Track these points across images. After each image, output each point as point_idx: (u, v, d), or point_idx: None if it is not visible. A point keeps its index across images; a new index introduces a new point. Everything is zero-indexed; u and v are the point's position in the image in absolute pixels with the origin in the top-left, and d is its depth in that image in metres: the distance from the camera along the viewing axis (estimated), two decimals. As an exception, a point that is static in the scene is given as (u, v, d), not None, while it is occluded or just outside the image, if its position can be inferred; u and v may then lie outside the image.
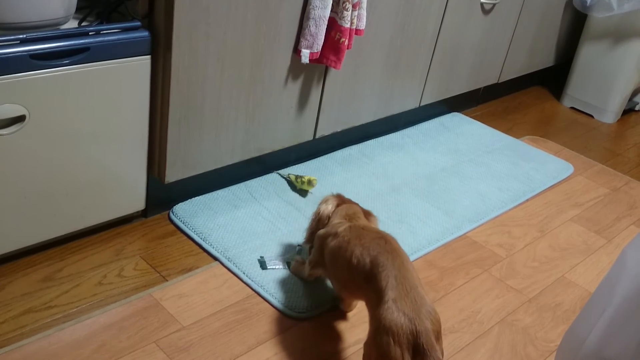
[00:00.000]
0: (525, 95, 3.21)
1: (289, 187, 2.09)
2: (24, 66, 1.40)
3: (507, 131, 2.76)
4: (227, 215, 1.91)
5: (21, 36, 1.40)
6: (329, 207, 1.66)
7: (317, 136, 2.14)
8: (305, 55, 1.85)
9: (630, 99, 3.15)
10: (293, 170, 2.17)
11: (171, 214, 1.89)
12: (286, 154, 2.17)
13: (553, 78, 3.38)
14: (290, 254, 1.79)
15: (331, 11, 1.86)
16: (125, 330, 1.50)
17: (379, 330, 1.29)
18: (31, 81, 1.42)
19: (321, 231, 1.60)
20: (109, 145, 1.63)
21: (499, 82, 2.86)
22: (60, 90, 1.47)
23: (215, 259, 1.76)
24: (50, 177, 1.55)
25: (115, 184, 1.70)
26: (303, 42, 1.85)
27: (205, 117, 1.76)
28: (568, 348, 1.30)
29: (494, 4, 2.51)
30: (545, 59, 3.09)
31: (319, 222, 1.65)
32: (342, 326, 1.62)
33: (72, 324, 1.49)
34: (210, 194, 1.98)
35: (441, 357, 1.27)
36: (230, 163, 1.92)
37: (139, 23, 1.57)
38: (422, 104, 2.49)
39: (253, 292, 1.67)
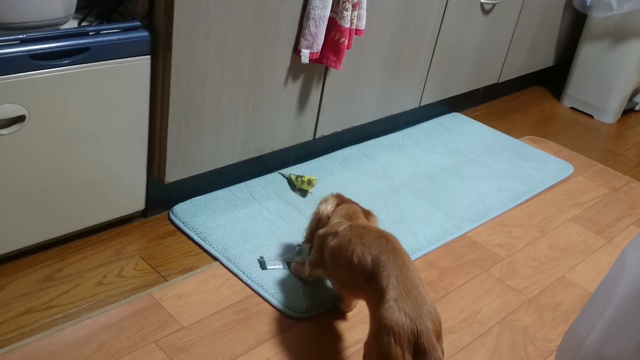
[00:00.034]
0: (525, 95, 3.21)
1: (289, 187, 2.09)
2: (24, 66, 1.40)
3: (507, 131, 2.76)
4: (227, 215, 1.91)
5: (21, 36, 1.40)
6: (328, 207, 1.66)
7: (317, 136, 2.14)
8: (305, 55, 1.85)
9: (630, 99, 3.15)
10: (293, 170, 2.17)
11: (171, 214, 1.89)
12: (286, 154, 2.17)
13: (553, 78, 3.38)
14: (290, 254, 1.79)
15: (331, 11, 1.86)
16: (125, 330, 1.50)
17: (380, 330, 1.29)
18: (31, 81, 1.42)
19: (321, 231, 1.60)
20: (109, 145, 1.63)
21: (499, 82, 2.86)
22: (60, 90, 1.47)
23: (215, 259, 1.76)
24: (50, 177, 1.55)
25: (115, 184, 1.70)
26: (303, 42, 1.85)
27: (205, 117, 1.76)
28: (568, 348, 1.30)
29: (494, 4, 2.51)
30: (545, 59, 3.09)
31: (318, 221, 1.65)
32: (342, 326, 1.62)
33: (72, 324, 1.49)
34: (210, 194, 1.98)
35: (442, 357, 1.27)
36: (230, 163, 1.92)
37: (139, 23, 1.57)
38: (422, 104, 2.49)
39: (253, 292, 1.67)
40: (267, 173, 2.14)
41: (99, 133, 1.59)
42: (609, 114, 3.05)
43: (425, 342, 1.25)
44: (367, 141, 2.45)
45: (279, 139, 2.01)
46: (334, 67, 1.93)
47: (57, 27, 1.52)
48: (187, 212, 1.89)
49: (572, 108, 3.15)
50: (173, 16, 1.55)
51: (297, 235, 1.87)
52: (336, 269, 1.53)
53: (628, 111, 3.19)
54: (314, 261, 1.61)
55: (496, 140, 2.64)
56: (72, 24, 1.58)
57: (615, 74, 2.97)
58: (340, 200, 1.69)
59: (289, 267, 1.75)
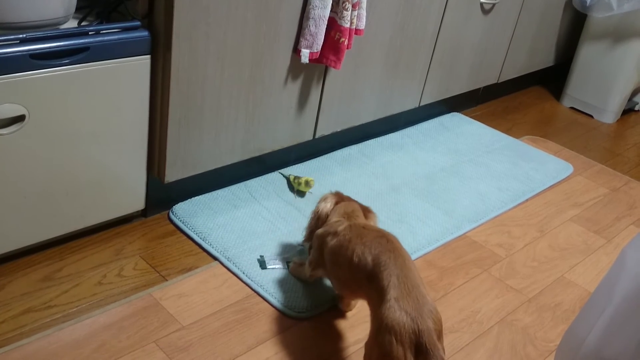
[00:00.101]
0: (525, 95, 3.21)
1: (288, 187, 2.09)
2: (23, 66, 1.40)
3: (507, 131, 2.76)
4: (226, 215, 1.91)
5: (21, 36, 1.40)
6: (327, 205, 1.66)
7: (317, 136, 2.14)
8: (305, 55, 1.85)
9: (630, 99, 3.15)
10: (293, 170, 2.17)
11: (171, 214, 1.89)
12: (286, 154, 2.17)
13: (553, 78, 3.38)
14: (290, 254, 1.79)
15: (331, 11, 1.86)
16: (125, 330, 1.50)
17: (381, 329, 1.29)
18: (31, 81, 1.42)
19: (319, 230, 1.60)
20: (109, 145, 1.63)
21: (499, 82, 2.86)
22: (60, 90, 1.47)
23: (215, 258, 1.76)
24: (50, 177, 1.55)
25: (115, 184, 1.70)
26: (303, 42, 1.85)
27: (205, 117, 1.76)
28: (567, 348, 1.30)
29: (494, 4, 2.51)
30: (545, 59, 3.09)
31: (318, 220, 1.65)
32: (342, 326, 1.62)
33: (72, 323, 1.49)
34: (210, 193, 1.98)
35: (444, 356, 1.27)
36: (230, 163, 1.92)
37: (138, 23, 1.57)
38: (421, 103, 2.49)
39: (253, 292, 1.67)
40: (267, 173, 2.14)
41: (99, 133, 1.59)
42: (609, 114, 3.05)
43: (427, 341, 1.25)
44: (367, 141, 2.45)
45: (278, 139, 2.01)
46: (334, 67, 1.93)
47: (57, 26, 1.52)
48: (187, 212, 1.89)
49: (572, 108, 3.15)
50: (173, 16, 1.55)
51: (297, 235, 1.87)
52: (336, 268, 1.53)
53: (628, 111, 3.19)
54: (314, 261, 1.61)
55: (496, 140, 2.64)
56: (72, 24, 1.58)
57: (615, 74, 2.97)
58: (339, 198, 1.69)
59: (288, 266, 1.75)
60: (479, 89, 2.88)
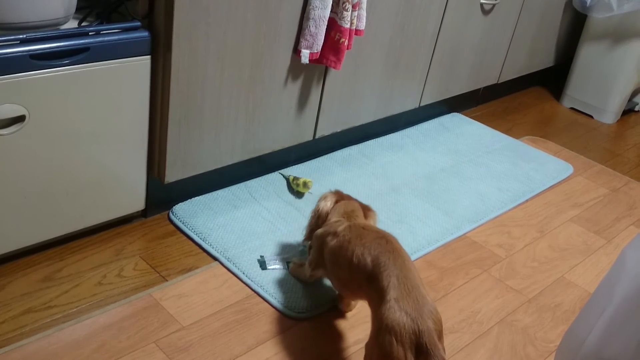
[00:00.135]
0: (525, 95, 3.21)
1: (288, 188, 2.09)
2: (24, 66, 1.40)
3: (507, 131, 2.76)
4: (227, 215, 1.91)
5: (21, 36, 1.40)
6: (327, 204, 1.66)
7: (317, 136, 2.14)
8: (305, 55, 1.85)
9: (630, 100, 3.15)
10: (293, 171, 2.17)
11: (171, 214, 1.89)
12: (286, 154, 2.17)
13: (553, 78, 3.38)
14: (290, 254, 1.79)
15: (331, 11, 1.86)
16: (125, 330, 1.50)
17: (381, 330, 1.29)
18: (31, 81, 1.42)
19: (319, 230, 1.60)
20: (109, 145, 1.63)
21: (499, 82, 2.86)
22: (60, 90, 1.48)
23: (215, 259, 1.76)
24: (50, 177, 1.55)
25: (115, 184, 1.70)
26: (303, 43, 1.85)
27: (205, 117, 1.76)
28: (568, 348, 1.30)
29: (494, 4, 2.51)
30: (545, 59, 3.09)
31: (318, 219, 1.65)
32: (342, 326, 1.62)
33: (72, 324, 1.49)
34: (210, 194, 1.99)
35: (444, 356, 1.27)
36: (230, 163, 1.92)
37: (139, 23, 1.57)
38: (421, 104, 2.49)
39: (253, 292, 1.67)
40: (267, 173, 2.14)
41: (99, 133, 1.59)
42: (609, 115, 3.05)
43: (427, 341, 1.25)
44: (367, 141, 2.45)
45: (278, 139, 2.01)
46: (334, 68, 1.93)
47: (57, 27, 1.52)
48: (187, 212, 1.89)
49: (572, 108, 3.15)
50: (173, 16, 1.55)
51: (297, 235, 1.87)
52: (336, 269, 1.53)
53: (628, 111, 3.19)
54: (314, 262, 1.61)
55: (496, 141, 2.64)
56: (72, 24, 1.58)
57: (615, 74, 2.98)
58: (339, 196, 1.69)
59: (288, 267, 1.75)
60: (479, 89, 2.88)
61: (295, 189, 2.07)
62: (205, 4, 1.59)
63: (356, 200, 1.69)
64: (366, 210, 1.66)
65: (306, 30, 1.83)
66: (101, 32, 1.52)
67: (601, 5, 2.82)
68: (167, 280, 1.67)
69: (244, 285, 1.69)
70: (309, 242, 1.68)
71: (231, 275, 1.72)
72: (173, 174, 1.78)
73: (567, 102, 3.17)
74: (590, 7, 2.86)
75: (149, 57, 1.60)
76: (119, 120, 1.61)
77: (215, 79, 1.72)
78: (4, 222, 1.52)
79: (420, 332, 1.26)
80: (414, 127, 2.62)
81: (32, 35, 1.41)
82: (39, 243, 1.65)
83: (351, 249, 1.47)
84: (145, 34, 1.57)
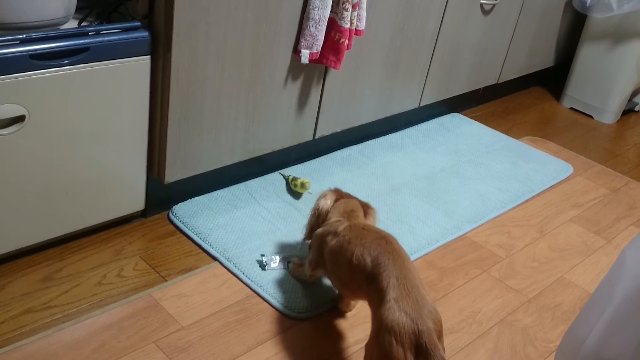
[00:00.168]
0: (525, 95, 3.21)
1: (286, 188, 2.09)
2: (24, 66, 1.40)
3: (507, 132, 2.76)
4: (226, 215, 1.91)
5: (21, 36, 1.40)
6: (327, 202, 1.65)
7: (316, 136, 2.14)
8: (305, 55, 1.85)
9: (630, 100, 3.15)
10: (293, 171, 2.17)
11: (171, 214, 1.89)
12: (286, 154, 2.17)
13: (553, 78, 3.38)
14: (290, 254, 1.79)
15: (331, 11, 1.86)
16: (124, 330, 1.50)
17: (381, 330, 1.29)
18: (31, 81, 1.42)
19: (319, 230, 1.60)
20: (109, 145, 1.63)
21: (499, 82, 2.86)
22: (60, 90, 1.48)
23: (215, 259, 1.76)
24: (50, 177, 1.55)
25: (115, 184, 1.70)
26: (303, 43, 1.85)
27: (205, 117, 1.76)
28: (568, 348, 1.30)
29: (494, 5, 2.51)
30: (545, 59, 3.09)
31: (318, 217, 1.65)
32: (342, 326, 1.62)
33: (72, 324, 1.49)
34: (210, 194, 1.98)
35: (444, 356, 1.27)
36: (230, 163, 1.92)
37: (139, 23, 1.57)
38: (421, 104, 2.49)
39: (252, 292, 1.67)
40: (267, 173, 2.14)
41: (99, 133, 1.59)
42: (609, 115, 3.05)
43: (427, 341, 1.25)
44: (367, 141, 2.45)
45: (278, 139, 2.01)
46: (334, 68, 1.93)
47: (57, 27, 1.52)
48: (186, 212, 1.89)
49: (571, 108, 3.15)
50: (173, 16, 1.55)
51: (296, 235, 1.87)
52: (336, 269, 1.53)
53: (628, 112, 3.19)
54: (314, 261, 1.61)
55: (496, 141, 2.64)
56: (72, 24, 1.58)
57: (615, 74, 2.98)
58: (339, 195, 1.68)
59: (288, 267, 1.75)
60: (479, 89, 2.88)
61: (294, 189, 2.07)
62: (205, 4, 1.59)
63: (356, 198, 1.69)
64: (366, 207, 1.66)
65: (306, 30, 1.83)
66: (101, 32, 1.52)
67: (601, 5, 2.82)
68: (167, 280, 1.67)
69: (243, 285, 1.69)
70: (309, 240, 1.68)
71: (231, 275, 1.72)
72: (173, 174, 1.78)
73: (567, 102, 3.17)
74: (590, 7, 2.86)
75: (148, 57, 1.60)
76: (118, 120, 1.61)
77: (215, 79, 1.72)
78: (4, 222, 1.52)
79: (420, 332, 1.26)
80: (414, 127, 2.62)
81: (32, 35, 1.41)
82: (39, 243, 1.65)
83: (351, 250, 1.47)
84: (145, 34, 1.57)
